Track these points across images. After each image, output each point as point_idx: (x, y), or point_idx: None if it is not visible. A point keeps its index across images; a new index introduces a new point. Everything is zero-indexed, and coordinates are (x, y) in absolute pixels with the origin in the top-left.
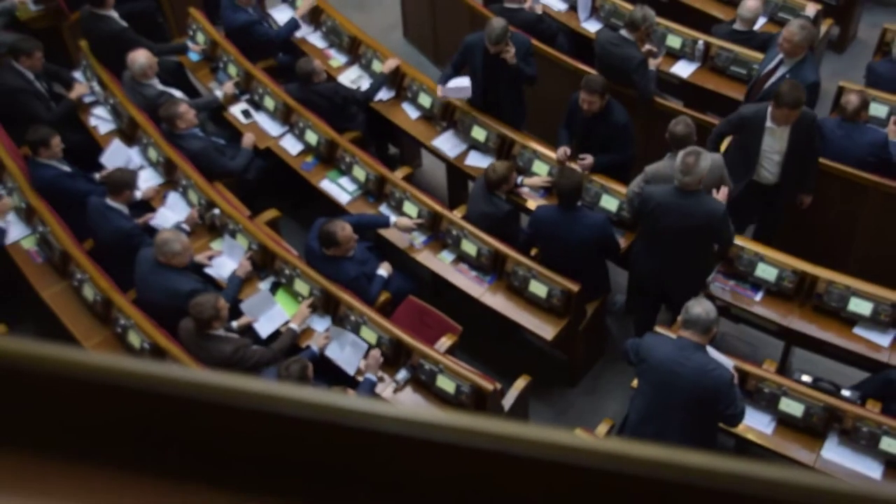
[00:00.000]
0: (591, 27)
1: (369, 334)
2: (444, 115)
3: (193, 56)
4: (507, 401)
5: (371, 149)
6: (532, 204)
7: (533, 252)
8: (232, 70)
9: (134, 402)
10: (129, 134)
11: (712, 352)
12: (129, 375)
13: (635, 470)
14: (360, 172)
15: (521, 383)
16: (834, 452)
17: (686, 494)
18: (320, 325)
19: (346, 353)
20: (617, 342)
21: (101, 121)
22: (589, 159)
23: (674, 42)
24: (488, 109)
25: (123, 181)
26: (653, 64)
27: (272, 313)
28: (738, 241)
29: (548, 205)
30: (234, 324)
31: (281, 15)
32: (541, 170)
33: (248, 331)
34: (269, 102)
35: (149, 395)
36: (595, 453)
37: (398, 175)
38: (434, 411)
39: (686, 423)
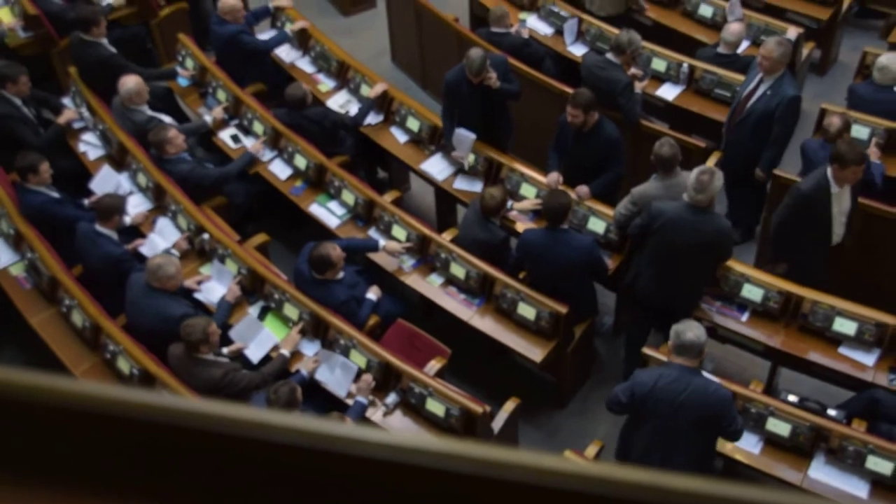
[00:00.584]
0: (578, 51)
1: (359, 358)
2: (433, 139)
3: (182, 81)
4: (497, 423)
5: (360, 173)
6: (521, 227)
7: (521, 275)
8: (221, 95)
9: (124, 431)
10: (118, 159)
11: (704, 373)
12: (117, 404)
13: (625, 494)
14: (349, 196)
15: (510, 406)
16: (821, 472)
17: None
18: (310, 349)
19: (336, 376)
20: (605, 364)
21: (90, 146)
22: (584, 189)
23: (659, 65)
24: (488, 134)
25: (113, 207)
26: (639, 87)
27: (261, 338)
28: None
29: (535, 228)
30: (225, 350)
31: (267, 36)
32: (529, 192)
33: (238, 356)
34: (258, 127)
35: (139, 423)
36: (584, 478)
37: (387, 199)
38: (424, 436)
39: (690, 447)
